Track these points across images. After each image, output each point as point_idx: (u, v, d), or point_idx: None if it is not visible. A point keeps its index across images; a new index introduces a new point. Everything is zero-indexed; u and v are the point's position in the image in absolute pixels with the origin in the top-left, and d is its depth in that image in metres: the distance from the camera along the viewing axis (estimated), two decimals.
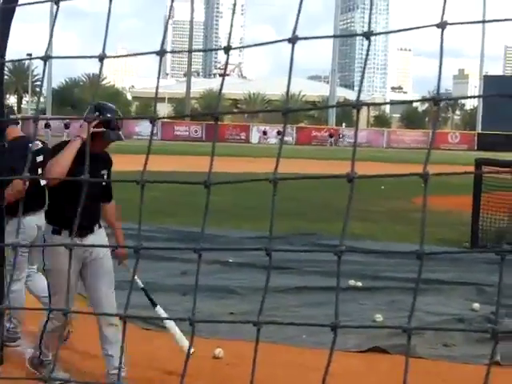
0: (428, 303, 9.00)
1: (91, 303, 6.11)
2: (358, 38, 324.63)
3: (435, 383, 6.60)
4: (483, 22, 1.18)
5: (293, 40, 1.32)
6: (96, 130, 5.76)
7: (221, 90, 1.70)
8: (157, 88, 1.90)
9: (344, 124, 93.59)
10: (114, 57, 1.82)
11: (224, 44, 1.71)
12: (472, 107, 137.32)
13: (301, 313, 8.35)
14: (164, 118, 2.62)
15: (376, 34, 1.24)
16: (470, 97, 1.62)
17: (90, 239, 6.03)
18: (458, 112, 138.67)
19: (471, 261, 10.86)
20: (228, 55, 1.56)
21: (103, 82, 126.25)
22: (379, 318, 8.04)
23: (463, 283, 9.80)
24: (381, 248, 12.63)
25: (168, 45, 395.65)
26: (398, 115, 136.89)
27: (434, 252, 1.21)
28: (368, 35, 1.24)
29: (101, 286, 6.05)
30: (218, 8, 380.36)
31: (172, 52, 1.68)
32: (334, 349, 1.20)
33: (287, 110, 1.29)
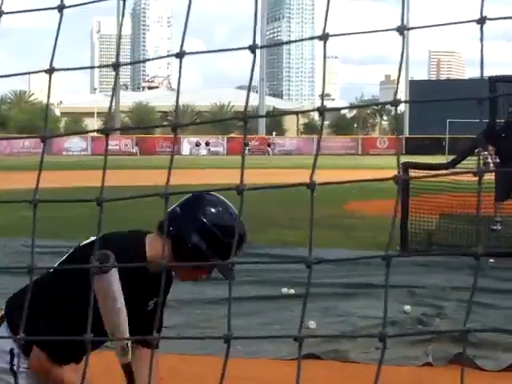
0: (360, 307, 9.08)
1: None
2: (284, 47, 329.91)
3: None
4: (372, 31, 1.19)
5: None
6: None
7: None
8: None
9: (274, 133, 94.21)
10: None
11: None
12: (399, 112, 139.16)
13: (233, 323, 8.27)
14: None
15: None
16: (356, 106, 1.62)
17: None
18: (385, 117, 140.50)
19: (401, 264, 10.99)
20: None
21: (30, 99, 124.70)
22: (313, 324, 8.05)
23: (394, 286, 9.89)
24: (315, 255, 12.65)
25: (96, 59, 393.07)
26: (327, 122, 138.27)
27: (323, 260, 1.23)
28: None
29: None
30: (144, 21, 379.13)
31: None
32: (228, 359, 1.21)
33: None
